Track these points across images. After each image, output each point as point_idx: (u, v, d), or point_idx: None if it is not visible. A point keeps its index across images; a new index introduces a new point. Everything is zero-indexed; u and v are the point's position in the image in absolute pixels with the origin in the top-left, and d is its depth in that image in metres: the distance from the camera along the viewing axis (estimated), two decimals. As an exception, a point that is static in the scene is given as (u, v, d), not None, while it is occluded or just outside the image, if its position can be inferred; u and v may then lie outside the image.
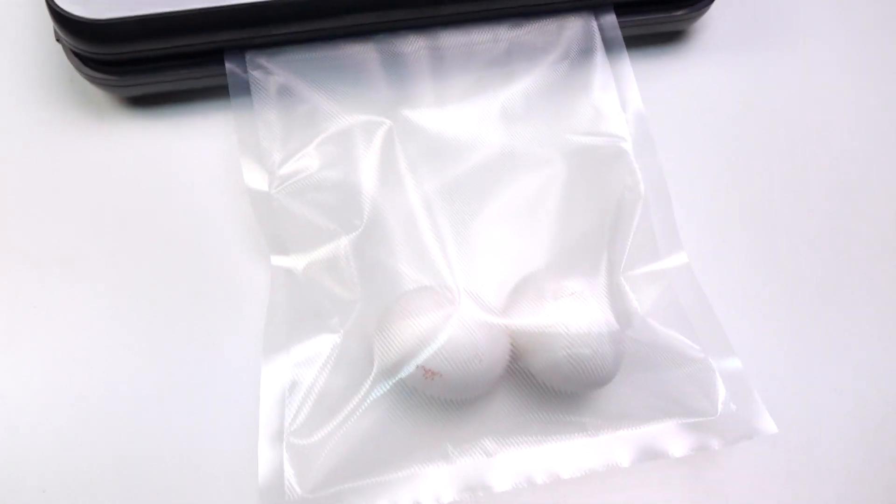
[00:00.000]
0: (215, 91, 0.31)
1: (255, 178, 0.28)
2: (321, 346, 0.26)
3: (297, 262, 0.27)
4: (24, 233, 0.29)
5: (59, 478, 0.25)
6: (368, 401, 0.25)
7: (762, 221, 0.30)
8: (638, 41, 0.32)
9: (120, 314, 0.27)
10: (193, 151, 0.30)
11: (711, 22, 0.34)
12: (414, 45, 0.30)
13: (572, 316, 0.24)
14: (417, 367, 0.24)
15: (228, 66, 0.29)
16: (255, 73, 0.29)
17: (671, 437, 0.25)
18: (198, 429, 0.26)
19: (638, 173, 0.29)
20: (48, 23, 0.32)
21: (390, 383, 0.24)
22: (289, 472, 0.24)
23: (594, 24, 0.31)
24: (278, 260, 0.27)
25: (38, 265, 0.28)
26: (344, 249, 0.27)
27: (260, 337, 0.27)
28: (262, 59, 0.29)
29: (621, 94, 0.30)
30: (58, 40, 0.29)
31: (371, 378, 0.25)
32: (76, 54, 0.29)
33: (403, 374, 0.24)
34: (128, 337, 0.27)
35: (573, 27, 0.31)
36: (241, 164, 0.28)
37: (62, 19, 0.27)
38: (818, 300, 0.29)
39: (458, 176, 0.29)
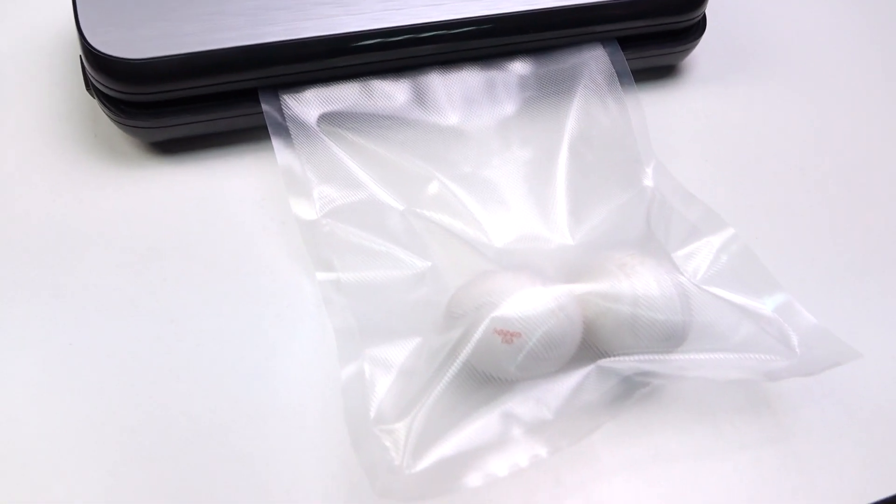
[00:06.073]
0: (241, 133, 0.31)
1: (303, 206, 0.28)
2: (397, 351, 0.25)
3: (349, 277, 0.27)
4: (61, 281, 0.27)
5: None
6: (451, 371, 0.24)
7: (789, 214, 0.32)
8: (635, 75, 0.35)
9: (166, 346, 0.26)
10: (226, 193, 0.30)
11: (699, 58, 0.37)
12: (442, 81, 0.32)
13: (640, 279, 0.25)
14: (495, 331, 0.23)
15: (264, 106, 0.30)
16: (291, 111, 0.30)
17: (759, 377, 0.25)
18: (266, 445, 0.24)
19: (654, 182, 0.31)
20: (72, 74, 0.33)
21: (471, 345, 0.24)
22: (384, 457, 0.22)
23: (605, 55, 0.33)
24: (325, 276, 0.27)
25: (76, 311, 0.27)
26: (403, 273, 0.27)
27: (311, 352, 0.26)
28: (297, 97, 0.30)
29: (632, 117, 0.33)
30: (88, 89, 0.29)
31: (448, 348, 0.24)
32: (109, 99, 0.29)
33: (481, 331, 0.23)
34: (179, 367, 0.25)
35: (589, 59, 0.33)
36: (286, 192, 0.28)
37: (100, 62, 0.28)
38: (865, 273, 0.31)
39: (490, 195, 0.30)
